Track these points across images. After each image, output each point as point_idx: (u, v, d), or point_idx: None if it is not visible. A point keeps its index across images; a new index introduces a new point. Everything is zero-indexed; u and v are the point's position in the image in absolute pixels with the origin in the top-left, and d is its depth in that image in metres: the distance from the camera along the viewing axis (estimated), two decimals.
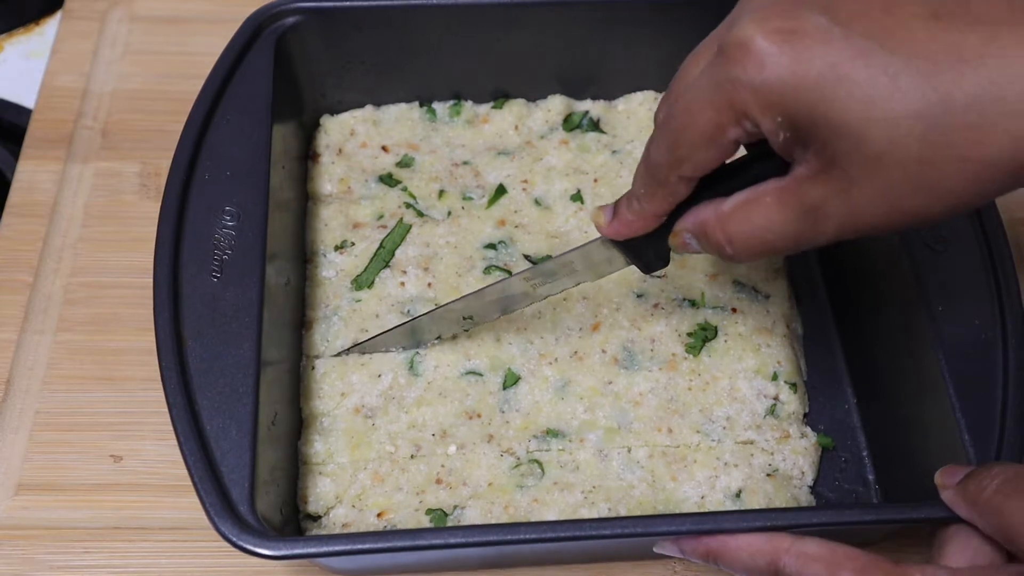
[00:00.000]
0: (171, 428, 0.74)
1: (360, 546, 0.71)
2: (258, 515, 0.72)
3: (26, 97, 1.17)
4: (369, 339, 0.92)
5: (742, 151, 0.70)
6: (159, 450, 0.92)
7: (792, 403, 0.92)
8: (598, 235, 0.80)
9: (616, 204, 0.76)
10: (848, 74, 0.59)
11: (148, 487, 0.91)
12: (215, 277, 0.81)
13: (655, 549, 0.76)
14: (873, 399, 0.94)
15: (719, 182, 0.71)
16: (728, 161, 0.69)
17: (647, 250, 0.79)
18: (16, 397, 0.94)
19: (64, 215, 1.05)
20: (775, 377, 0.93)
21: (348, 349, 0.92)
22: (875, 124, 0.59)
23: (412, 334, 0.92)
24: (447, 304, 0.90)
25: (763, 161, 0.69)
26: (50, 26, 1.25)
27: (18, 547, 0.88)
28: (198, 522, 0.86)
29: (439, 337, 0.92)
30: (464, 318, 0.91)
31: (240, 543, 0.70)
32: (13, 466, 0.91)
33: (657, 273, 0.96)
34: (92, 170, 1.08)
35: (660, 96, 1.09)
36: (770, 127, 0.63)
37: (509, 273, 0.96)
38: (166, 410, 0.75)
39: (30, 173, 1.07)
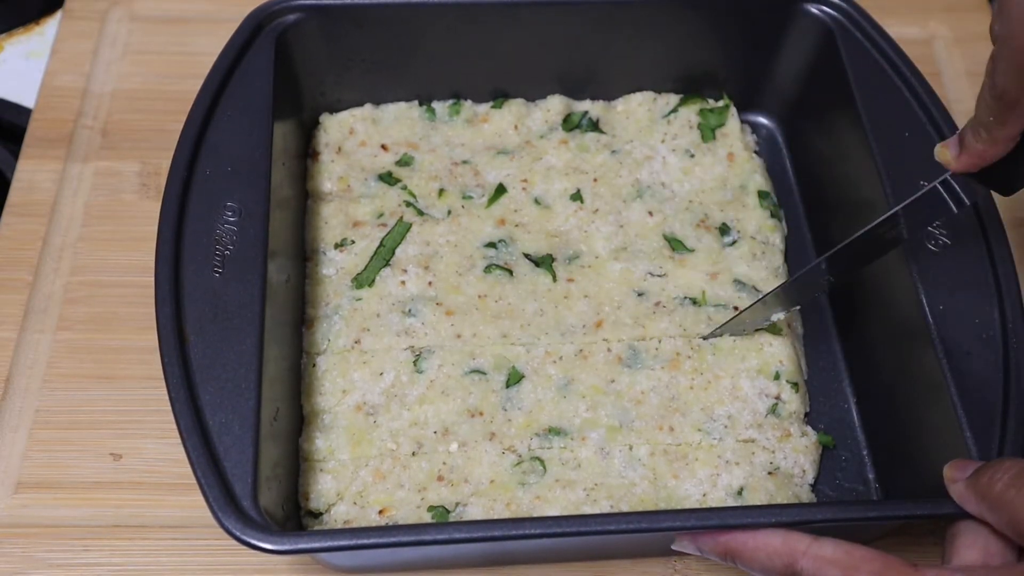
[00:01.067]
0: (171, 426, 0.74)
1: (364, 541, 0.71)
2: (261, 510, 0.71)
3: (26, 97, 1.17)
4: (732, 319, 0.93)
5: None
6: (159, 448, 0.92)
7: (793, 402, 0.92)
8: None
9: (960, 136, 0.75)
10: None
11: (148, 485, 0.90)
12: (216, 272, 0.80)
13: (673, 546, 0.76)
14: (873, 398, 0.94)
15: None
16: None
17: (999, 173, 0.76)
18: (16, 395, 0.94)
19: (64, 214, 1.04)
20: (777, 376, 0.93)
21: (713, 333, 0.93)
22: None
23: (772, 307, 0.92)
24: (810, 266, 0.89)
25: None
26: (50, 26, 1.25)
27: (18, 545, 0.87)
28: (198, 520, 0.86)
29: (797, 304, 0.92)
30: (823, 279, 0.89)
31: (244, 537, 0.70)
32: (13, 464, 0.91)
33: (656, 272, 0.97)
34: (92, 170, 1.08)
35: (659, 96, 1.09)
36: None
37: (510, 272, 0.96)
38: (166, 408, 0.75)
39: (30, 173, 1.07)
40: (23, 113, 1.15)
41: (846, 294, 0.99)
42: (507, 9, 1.01)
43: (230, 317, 0.79)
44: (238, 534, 0.70)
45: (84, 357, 0.97)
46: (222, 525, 0.70)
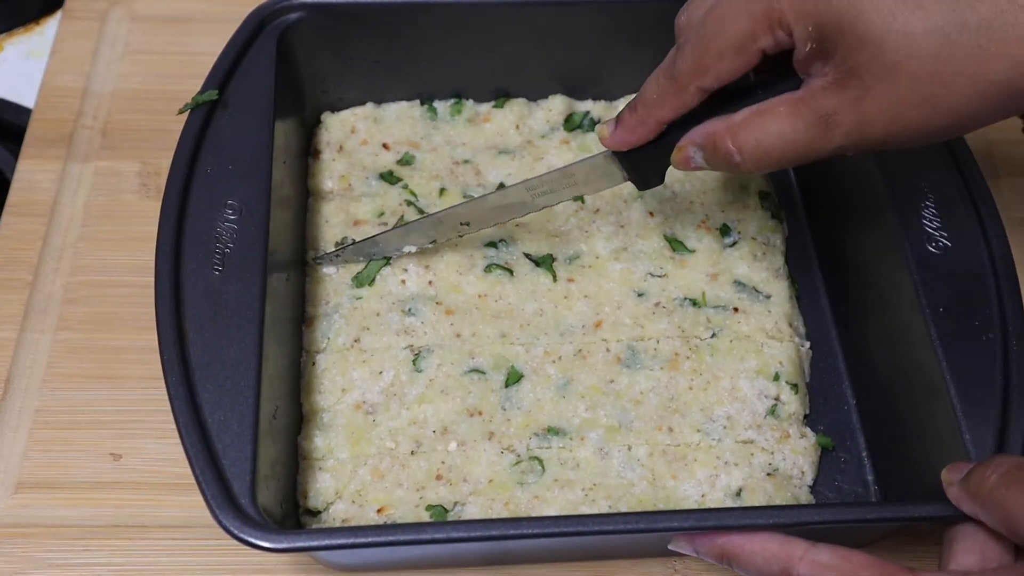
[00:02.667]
0: (171, 426, 0.74)
1: (362, 540, 0.70)
2: (259, 508, 0.71)
3: (26, 97, 1.17)
4: (364, 240, 0.95)
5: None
6: (159, 448, 0.92)
7: (793, 403, 0.92)
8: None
9: (619, 115, 0.80)
10: None
11: (148, 485, 0.90)
12: (217, 270, 0.80)
13: (670, 546, 0.76)
14: (873, 400, 0.94)
15: (726, 103, 0.74)
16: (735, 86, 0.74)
17: (646, 166, 0.83)
18: (16, 395, 0.94)
19: (64, 214, 1.04)
20: (776, 377, 0.93)
21: (337, 252, 0.95)
22: (894, 35, 0.65)
23: (406, 236, 0.94)
24: (447, 209, 0.92)
25: (769, 87, 0.73)
26: (50, 26, 1.25)
27: (17, 545, 0.87)
28: (198, 520, 0.86)
29: (433, 241, 0.95)
30: (462, 224, 0.93)
31: (242, 536, 0.69)
32: (13, 464, 0.91)
33: (657, 272, 0.97)
34: (92, 169, 1.08)
35: None
36: (801, 35, 0.68)
37: (510, 272, 0.96)
38: (166, 408, 0.75)
39: (30, 173, 1.07)
40: (23, 113, 1.15)
41: (846, 295, 0.99)
42: (509, 8, 1.01)
43: (230, 315, 0.79)
44: (236, 532, 0.70)
45: (84, 357, 0.96)
46: (220, 523, 0.70)
